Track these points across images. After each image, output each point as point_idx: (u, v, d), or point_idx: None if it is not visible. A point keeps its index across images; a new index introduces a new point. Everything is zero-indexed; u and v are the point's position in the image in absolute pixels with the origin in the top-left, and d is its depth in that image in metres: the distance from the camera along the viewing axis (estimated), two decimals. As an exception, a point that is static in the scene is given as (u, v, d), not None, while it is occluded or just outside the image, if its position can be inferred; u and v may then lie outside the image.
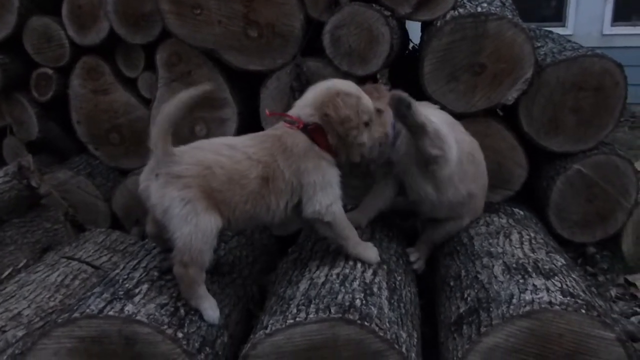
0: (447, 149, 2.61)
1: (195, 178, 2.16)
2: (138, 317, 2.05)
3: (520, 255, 2.51)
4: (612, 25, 8.66)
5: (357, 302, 2.11)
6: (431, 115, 2.64)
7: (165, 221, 2.17)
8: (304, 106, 2.42)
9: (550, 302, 2.08)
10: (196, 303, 2.23)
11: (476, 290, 2.35)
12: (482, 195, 2.96)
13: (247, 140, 2.36)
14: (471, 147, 2.83)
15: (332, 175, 2.37)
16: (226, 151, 2.27)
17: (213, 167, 2.20)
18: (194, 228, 2.13)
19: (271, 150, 2.31)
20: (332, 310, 2.05)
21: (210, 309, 2.25)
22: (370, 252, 2.48)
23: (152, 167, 2.20)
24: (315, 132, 2.36)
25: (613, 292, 3.32)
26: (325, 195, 2.34)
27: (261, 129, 3.08)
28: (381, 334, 2.01)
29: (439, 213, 2.85)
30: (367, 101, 2.44)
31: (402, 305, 2.31)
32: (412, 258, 2.82)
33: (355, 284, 2.25)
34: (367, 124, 2.42)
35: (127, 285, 2.25)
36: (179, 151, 2.22)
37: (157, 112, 2.26)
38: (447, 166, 2.64)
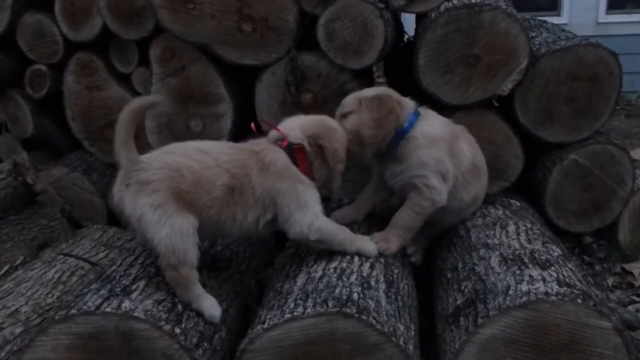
0: (435, 201, 2.65)
1: (163, 181, 2.15)
2: (135, 314, 2.05)
3: (517, 246, 2.51)
4: (607, 14, 8.66)
5: (355, 295, 2.12)
6: (428, 145, 2.64)
7: (142, 229, 2.16)
8: (293, 128, 2.44)
9: (546, 293, 2.09)
10: (197, 304, 2.22)
11: (473, 282, 2.36)
12: (484, 192, 2.97)
13: (223, 148, 2.36)
14: (473, 157, 2.81)
15: (308, 197, 2.35)
16: (197, 156, 2.26)
17: (182, 169, 2.19)
18: (170, 229, 2.12)
19: (245, 163, 2.30)
20: (330, 304, 2.05)
21: (212, 308, 2.24)
22: (368, 244, 2.50)
23: (122, 178, 2.19)
24: (297, 153, 2.37)
25: (610, 281, 3.33)
26: (303, 215, 2.32)
27: (256, 123, 3.08)
28: (379, 327, 2.02)
29: (446, 219, 2.86)
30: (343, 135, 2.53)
31: (399, 298, 2.32)
32: (409, 251, 2.81)
33: (353, 278, 2.25)
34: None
35: (124, 281, 2.25)
36: (147, 158, 2.22)
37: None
38: (441, 203, 2.67)
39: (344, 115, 2.65)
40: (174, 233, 2.12)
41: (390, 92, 2.73)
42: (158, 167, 2.18)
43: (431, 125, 2.71)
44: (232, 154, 2.31)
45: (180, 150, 2.29)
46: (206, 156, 2.26)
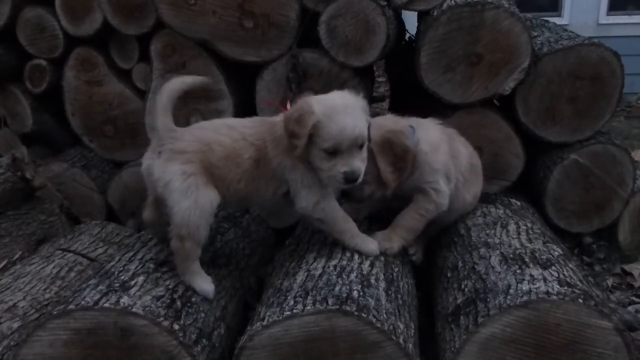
0: (440, 205, 2.69)
1: (196, 154, 2.23)
2: (134, 309, 2.04)
3: (517, 245, 2.50)
4: (607, 15, 8.65)
5: (355, 293, 2.11)
6: (433, 150, 2.65)
7: (166, 195, 2.22)
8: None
9: (547, 292, 2.08)
10: (189, 279, 2.28)
11: (473, 281, 2.35)
12: (481, 189, 2.97)
13: (246, 122, 2.42)
14: (469, 156, 2.86)
15: (311, 178, 2.33)
16: (225, 130, 2.33)
17: (212, 144, 2.27)
18: (193, 203, 2.19)
19: (264, 135, 2.34)
20: (330, 302, 2.04)
21: (204, 284, 2.30)
22: (369, 243, 2.48)
23: (155, 146, 2.28)
24: None
25: (610, 281, 3.32)
26: (310, 193, 2.35)
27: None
28: (378, 325, 2.01)
29: (448, 219, 2.86)
30: (336, 130, 2.18)
31: (399, 296, 2.31)
32: (410, 250, 2.80)
33: (353, 276, 2.24)
34: (330, 153, 2.22)
35: (122, 277, 2.25)
36: (181, 130, 2.30)
37: (152, 104, 2.27)
38: (443, 207, 2.71)
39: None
40: (195, 207, 2.19)
41: (389, 122, 2.65)
42: (191, 139, 2.27)
43: (429, 131, 2.72)
44: (254, 127, 2.38)
45: (209, 126, 2.39)
46: (233, 130, 2.34)
